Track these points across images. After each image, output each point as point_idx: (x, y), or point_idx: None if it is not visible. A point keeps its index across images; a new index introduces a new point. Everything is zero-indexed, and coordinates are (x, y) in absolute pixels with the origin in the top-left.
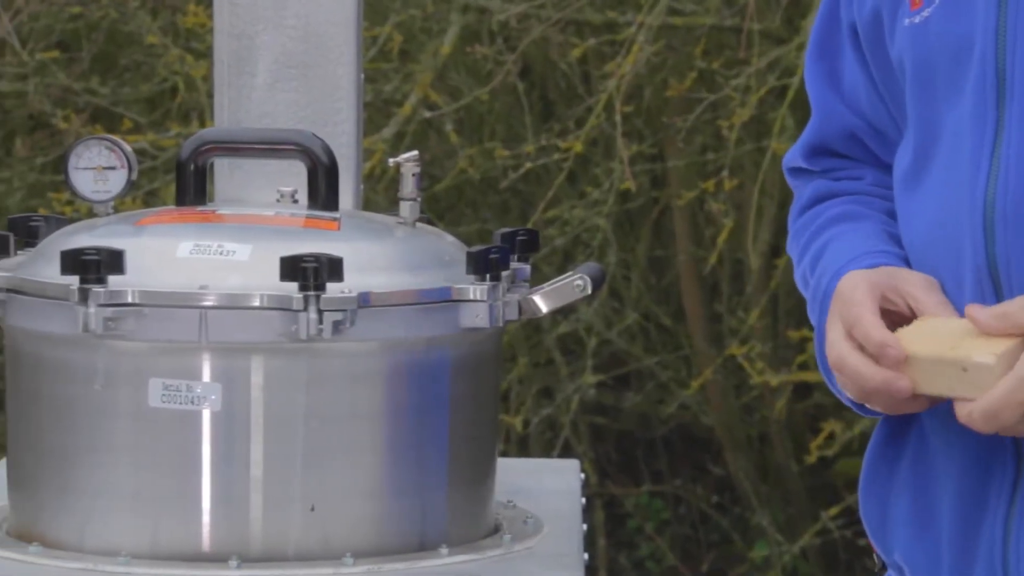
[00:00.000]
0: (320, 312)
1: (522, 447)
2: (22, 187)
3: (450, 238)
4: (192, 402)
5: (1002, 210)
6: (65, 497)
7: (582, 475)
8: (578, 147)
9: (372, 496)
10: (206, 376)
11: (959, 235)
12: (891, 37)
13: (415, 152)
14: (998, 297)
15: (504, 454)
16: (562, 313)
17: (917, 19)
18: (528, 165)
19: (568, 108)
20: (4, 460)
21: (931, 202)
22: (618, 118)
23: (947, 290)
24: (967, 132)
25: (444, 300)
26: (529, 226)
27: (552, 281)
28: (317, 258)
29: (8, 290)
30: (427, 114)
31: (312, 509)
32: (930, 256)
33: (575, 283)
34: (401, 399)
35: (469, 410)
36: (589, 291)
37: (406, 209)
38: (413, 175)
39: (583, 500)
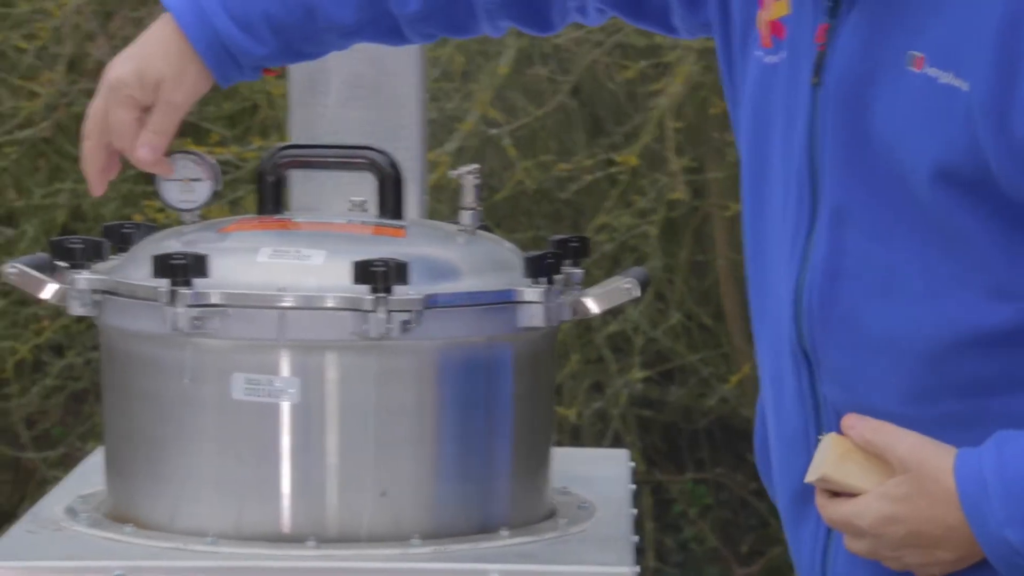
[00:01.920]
0: (389, 312)
1: (575, 437)
2: (117, 197)
3: (508, 244)
4: (272, 395)
5: (808, 305)
6: (156, 482)
7: (632, 464)
8: (633, 160)
9: (438, 482)
10: (285, 371)
11: (780, 312)
12: (742, 52)
13: (476, 165)
14: (811, 373)
15: (558, 444)
16: (611, 313)
17: (768, 59)
18: (588, 178)
19: (616, 124)
20: (102, 448)
21: (764, 266)
22: (668, 133)
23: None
24: (792, 208)
25: (503, 302)
26: (581, 234)
27: (602, 284)
28: (386, 263)
29: (103, 292)
30: (487, 131)
31: (383, 494)
32: (761, 319)
33: (623, 286)
34: (464, 393)
35: (526, 403)
36: (637, 294)
37: (467, 217)
38: (474, 186)
39: (633, 487)
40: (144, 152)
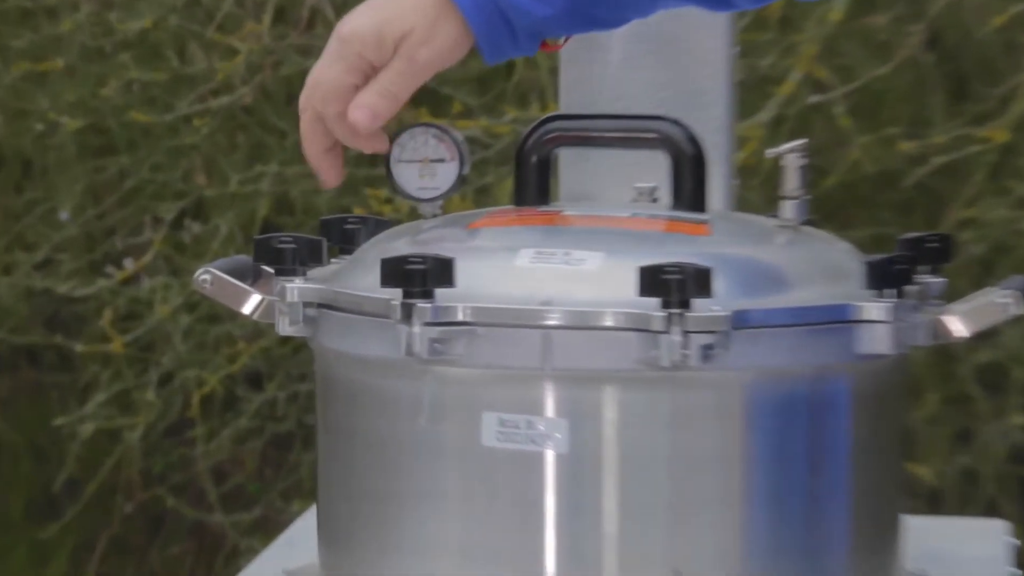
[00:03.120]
0: (686, 334)
1: (933, 503)
2: None
3: (843, 245)
4: (533, 441)
5: None
6: (385, 553)
7: (1013, 540)
8: (1001, 136)
9: (749, 558)
10: (550, 410)
11: None
12: None
13: (803, 140)
14: None
15: (912, 511)
16: (982, 337)
17: None
18: (939, 159)
19: (988, 87)
20: (312, 509)
21: None
22: None
23: None
24: None
25: (837, 320)
26: (939, 230)
27: (970, 297)
28: (683, 269)
29: (320, 305)
30: (813, 96)
31: (677, 573)
32: None
33: (1000, 300)
34: (785, 441)
35: (868, 456)
36: (1019, 311)
37: (789, 209)
38: (799, 169)
39: (1015, 572)
40: (360, 114)
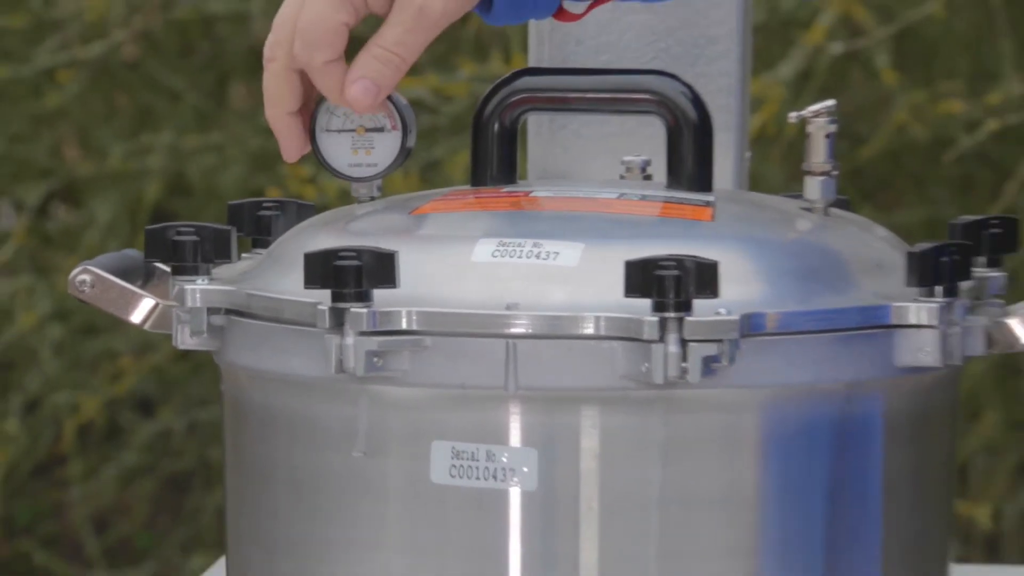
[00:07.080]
0: (684, 343)
1: (991, 550)
2: (241, 156)
3: (881, 231)
4: (495, 476)
5: None
6: None
7: None
8: None
9: None
10: (515, 439)
11: None
12: None
13: (830, 102)
14: None
15: (963, 560)
16: None
17: None
18: (1006, 122)
19: None
20: (221, 562)
21: None
22: None
23: None
24: None
25: (873, 326)
26: (1004, 213)
27: None
28: (680, 263)
29: (229, 311)
30: (849, 42)
31: None
32: None
33: None
34: (805, 475)
35: (908, 493)
36: None
37: (816, 188)
38: (826, 136)
39: None
40: (360, 89)
